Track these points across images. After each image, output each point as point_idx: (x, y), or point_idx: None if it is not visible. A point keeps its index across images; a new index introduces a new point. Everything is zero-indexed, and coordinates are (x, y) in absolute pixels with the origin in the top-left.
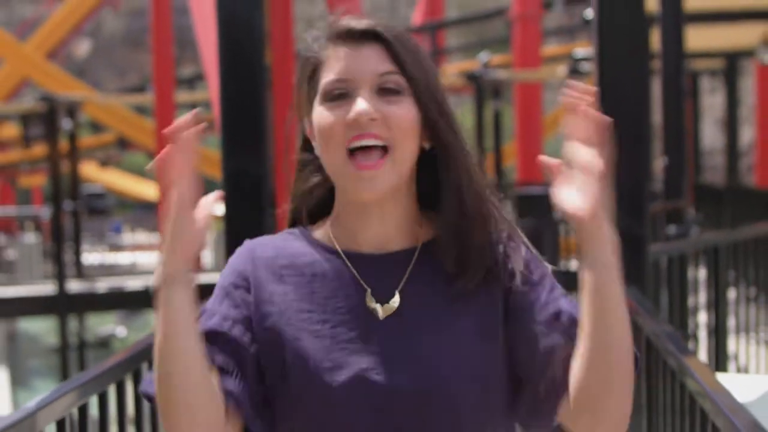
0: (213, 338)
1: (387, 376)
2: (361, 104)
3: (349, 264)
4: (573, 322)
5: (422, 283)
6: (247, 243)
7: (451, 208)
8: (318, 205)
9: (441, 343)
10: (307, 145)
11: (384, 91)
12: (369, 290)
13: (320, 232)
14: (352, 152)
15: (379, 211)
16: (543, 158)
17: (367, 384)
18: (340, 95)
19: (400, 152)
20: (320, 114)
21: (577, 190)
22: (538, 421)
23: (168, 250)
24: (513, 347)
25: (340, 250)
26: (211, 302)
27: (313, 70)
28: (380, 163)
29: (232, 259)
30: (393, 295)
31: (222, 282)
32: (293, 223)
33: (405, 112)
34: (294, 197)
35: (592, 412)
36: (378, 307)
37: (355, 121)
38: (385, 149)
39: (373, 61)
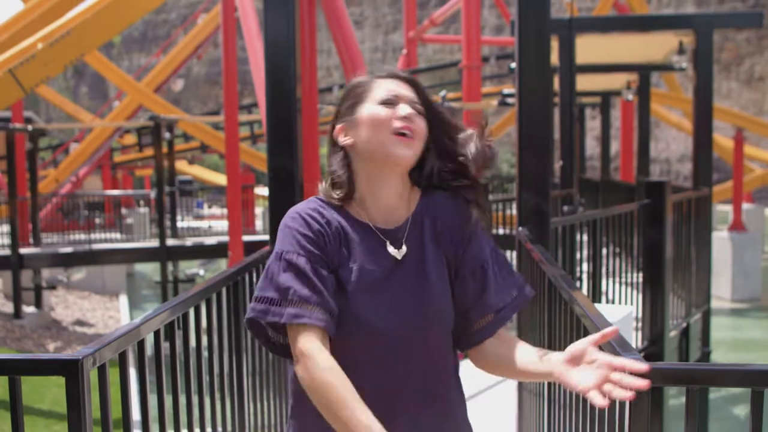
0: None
1: (400, 305)
2: (407, 108)
3: (377, 231)
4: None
5: (414, 240)
6: (301, 212)
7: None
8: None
9: (432, 278)
10: (335, 147)
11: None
12: (387, 242)
13: (354, 211)
14: (396, 134)
15: (390, 182)
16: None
17: (395, 303)
18: (390, 102)
19: (418, 143)
20: (374, 109)
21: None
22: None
23: None
24: (459, 278)
25: (371, 224)
26: (292, 246)
27: (364, 89)
28: (411, 140)
29: (299, 219)
30: (401, 247)
31: (296, 236)
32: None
33: (423, 124)
34: (326, 184)
35: (496, 372)
36: (396, 252)
37: (405, 117)
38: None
39: (410, 92)
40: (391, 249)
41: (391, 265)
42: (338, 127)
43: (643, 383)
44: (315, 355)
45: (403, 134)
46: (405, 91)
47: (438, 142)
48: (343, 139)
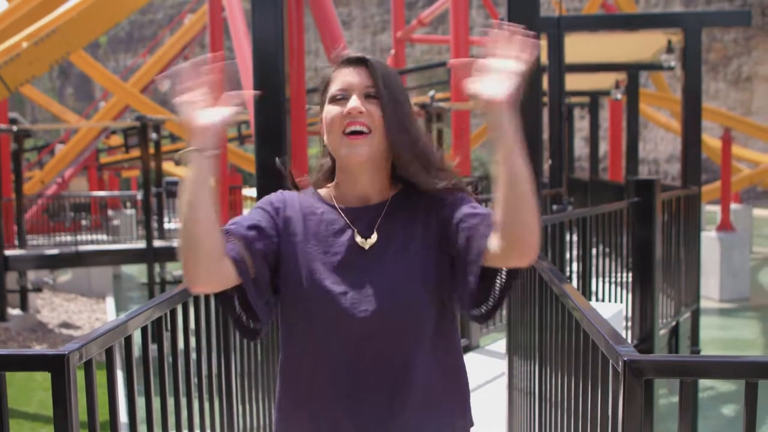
0: (239, 229)
1: (366, 288)
2: (353, 102)
3: (343, 215)
4: (482, 217)
5: (390, 224)
6: (282, 192)
7: (402, 163)
8: (327, 175)
9: (403, 264)
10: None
11: (368, 97)
12: (355, 230)
13: (326, 193)
14: (346, 134)
15: (362, 176)
16: (454, 62)
17: (353, 293)
18: (340, 98)
19: (378, 137)
20: (327, 110)
21: (494, 83)
22: (469, 287)
23: (193, 132)
24: (449, 240)
25: (337, 205)
26: (247, 213)
27: (326, 85)
28: (363, 137)
29: (270, 195)
30: (372, 233)
31: (260, 203)
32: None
33: (379, 110)
34: (315, 169)
35: (510, 239)
36: (363, 241)
37: (349, 113)
38: (366, 132)
39: (362, 77)
40: (358, 238)
41: (359, 250)
42: (320, 124)
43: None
44: None
45: (353, 132)
46: (357, 77)
47: (388, 131)
48: (324, 136)
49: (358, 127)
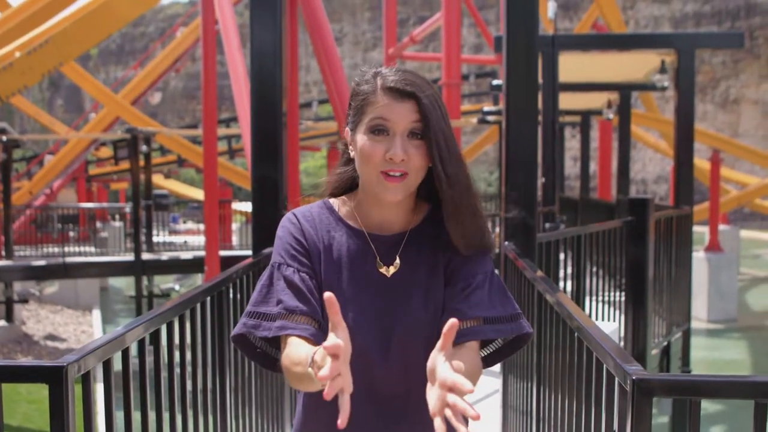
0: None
1: (387, 312)
2: (397, 148)
3: (370, 240)
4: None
5: (413, 253)
6: (295, 218)
7: (449, 212)
8: (346, 183)
9: (424, 296)
10: (345, 145)
11: (411, 134)
12: (378, 257)
13: (346, 211)
14: (383, 173)
15: (390, 207)
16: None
17: (375, 316)
18: (381, 130)
19: (414, 178)
20: (365, 141)
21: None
22: None
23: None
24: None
25: (366, 232)
26: (282, 257)
27: (363, 103)
28: (401, 180)
29: (290, 227)
30: (394, 260)
31: (287, 247)
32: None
33: (422, 155)
34: (332, 173)
35: None
36: (386, 269)
37: (391, 159)
38: (405, 174)
39: (408, 112)
40: (380, 265)
41: (380, 278)
42: (347, 130)
43: (474, 414)
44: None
45: (392, 175)
46: (403, 112)
47: (441, 174)
48: (351, 150)
49: (396, 173)
